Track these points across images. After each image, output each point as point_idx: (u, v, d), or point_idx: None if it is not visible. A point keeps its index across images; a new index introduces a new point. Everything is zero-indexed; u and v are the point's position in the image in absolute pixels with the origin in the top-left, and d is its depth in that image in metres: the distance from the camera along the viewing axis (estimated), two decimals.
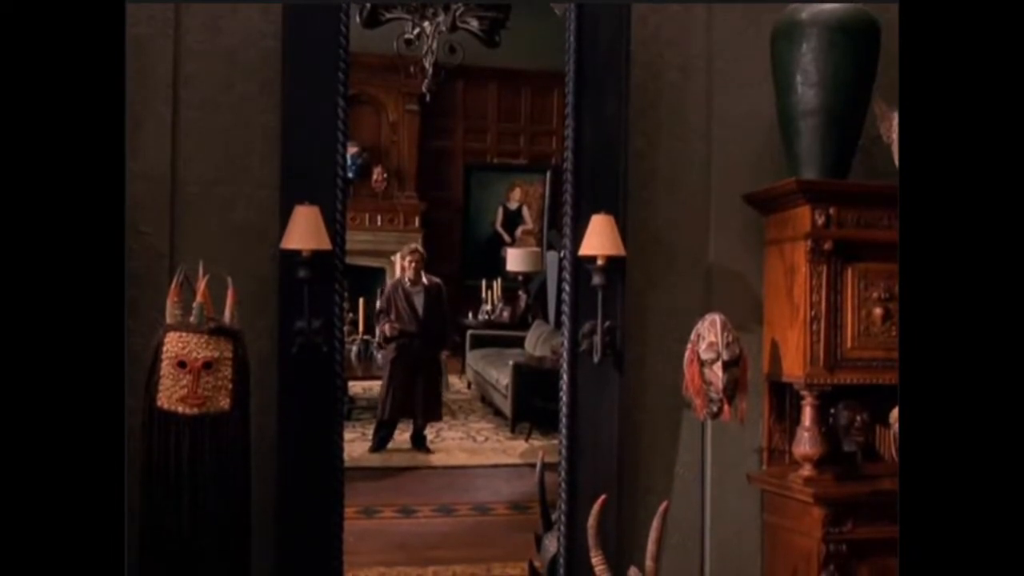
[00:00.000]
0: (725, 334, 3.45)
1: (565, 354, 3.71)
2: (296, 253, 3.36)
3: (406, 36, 4.06)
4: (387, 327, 4.51)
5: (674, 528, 3.81)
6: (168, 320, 3.10)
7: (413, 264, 4.55)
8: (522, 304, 5.02)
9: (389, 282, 4.70)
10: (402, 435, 4.62)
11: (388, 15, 3.94)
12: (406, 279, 4.57)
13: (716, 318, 3.49)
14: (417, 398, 4.65)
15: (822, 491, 3.58)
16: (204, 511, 3.01)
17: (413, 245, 4.67)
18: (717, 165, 4.00)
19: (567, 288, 3.71)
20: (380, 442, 4.58)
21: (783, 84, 3.76)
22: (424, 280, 4.55)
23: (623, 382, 3.75)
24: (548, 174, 5.00)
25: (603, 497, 3.27)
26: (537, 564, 3.82)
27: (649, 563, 3.24)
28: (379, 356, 4.59)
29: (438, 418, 4.74)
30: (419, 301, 4.55)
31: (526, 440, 4.69)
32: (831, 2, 3.70)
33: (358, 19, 3.76)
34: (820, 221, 3.64)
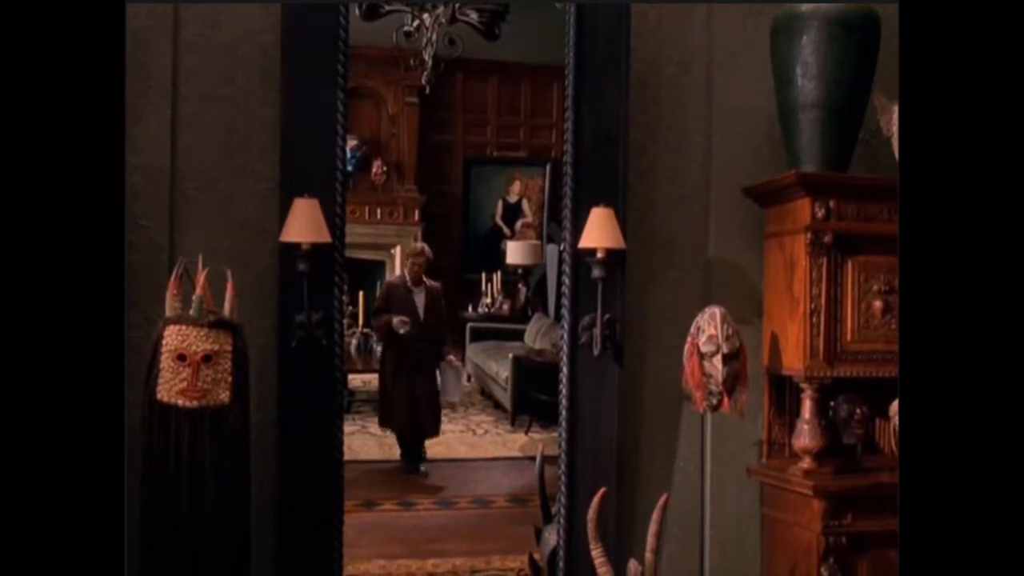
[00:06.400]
0: (725, 327, 3.46)
1: (565, 347, 3.71)
2: (295, 246, 3.36)
3: (405, 28, 4.05)
4: (398, 321, 4.46)
5: (674, 521, 3.82)
6: (168, 313, 3.10)
7: (417, 267, 4.52)
8: (522, 297, 5.02)
9: (388, 279, 4.68)
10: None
11: (387, 7, 3.93)
12: (407, 279, 4.54)
13: (716, 311, 3.49)
14: (420, 411, 4.61)
15: (822, 484, 3.58)
16: (204, 504, 3.01)
17: (420, 245, 4.64)
18: (717, 158, 3.99)
19: (567, 281, 3.71)
20: (411, 457, 4.61)
21: (783, 77, 3.75)
22: (425, 282, 4.53)
23: (623, 375, 3.75)
24: (548, 167, 5.00)
25: (603, 490, 3.27)
26: (537, 557, 3.82)
27: (649, 556, 3.24)
28: (378, 350, 4.57)
29: (437, 433, 4.68)
30: (419, 302, 4.53)
31: (526, 433, 4.69)
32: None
33: (357, 12, 3.76)
34: (820, 214, 3.64)
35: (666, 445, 3.94)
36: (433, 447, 4.62)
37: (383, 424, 4.59)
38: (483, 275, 5.00)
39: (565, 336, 3.71)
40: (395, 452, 4.58)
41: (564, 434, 3.71)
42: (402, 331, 4.44)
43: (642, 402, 3.90)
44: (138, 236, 3.46)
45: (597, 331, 3.65)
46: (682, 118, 3.98)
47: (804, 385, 3.66)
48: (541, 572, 3.78)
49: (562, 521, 3.69)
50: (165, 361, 3.02)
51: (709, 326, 3.47)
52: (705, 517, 3.86)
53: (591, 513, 3.19)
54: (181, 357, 3.02)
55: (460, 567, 3.98)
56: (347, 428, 3.68)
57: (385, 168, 4.91)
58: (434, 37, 4.08)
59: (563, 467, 3.70)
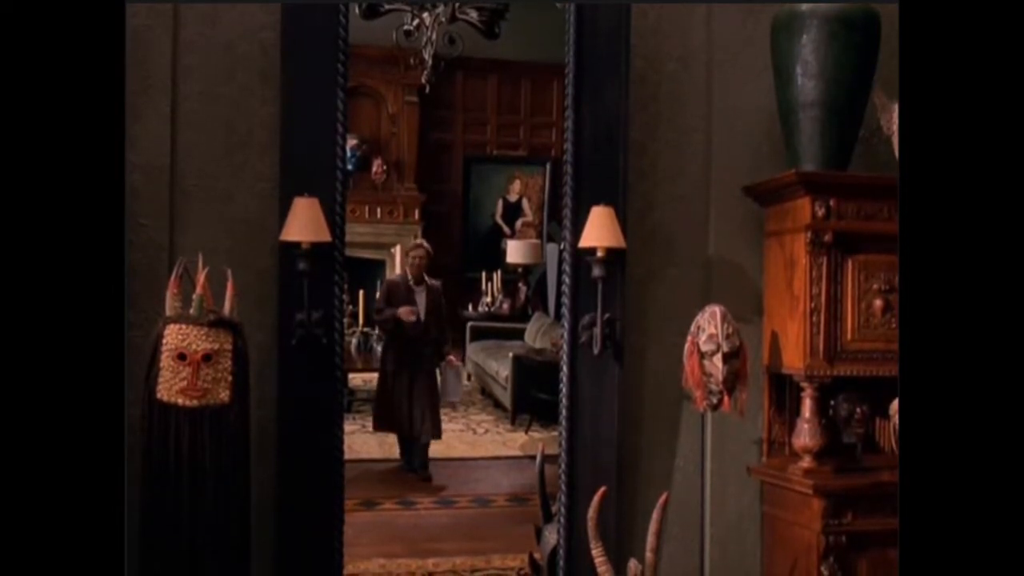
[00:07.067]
0: (725, 326, 3.46)
1: (565, 346, 3.71)
2: (295, 245, 3.36)
3: (405, 27, 4.05)
4: (405, 311, 4.43)
5: (674, 520, 3.82)
6: (168, 312, 3.10)
7: (418, 262, 4.51)
8: (522, 296, 5.02)
9: (389, 278, 4.67)
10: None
11: (387, 6, 3.93)
12: (409, 277, 4.53)
13: (716, 310, 3.49)
14: (419, 413, 4.57)
15: (822, 483, 3.58)
16: (204, 503, 3.01)
17: (420, 241, 4.63)
18: (717, 157, 3.99)
19: (567, 280, 3.71)
20: (412, 457, 4.58)
21: (783, 76, 3.75)
22: (426, 280, 4.52)
23: (623, 374, 3.74)
24: (548, 166, 5.00)
25: (603, 489, 3.27)
26: (537, 556, 3.82)
27: (649, 555, 3.24)
28: (378, 349, 4.57)
29: (439, 435, 4.63)
30: (420, 301, 4.51)
31: (526, 432, 4.69)
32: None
33: (357, 11, 3.76)
34: (820, 213, 3.64)
35: (666, 444, 3.94)
36: (433, 446, 4.60)
37: (377, 428, 4.57)
38: (483, 274, 5.01)
39: (565, 335, 3.71)
40: (395, 451, 4.57)
41: (564, 433, 3.71)
42: (412, 319, 4.42)
43: (642, 401, 3.90)
44: (138, 235, 3.46)
45: (597, 330, 3.65)
46: (682, 117, 3.97)
47: (804, 384, 3.66)
48: (541, 571, 3.78)
49: (562, 520, 3.69)
50: (165, 360, 3.02)
51: (709, 325, 3.47)
52: (705, 516, 3.86)
53: (591, 512, 3.19)
54: (181, 356, 3.02)
55: (460, 566, 3.98)
56: (347, 427, 3.68)
57: (385, 167, 4.91)
58: (434, 36, 4.08)
59: (563, 466, 3.70)
